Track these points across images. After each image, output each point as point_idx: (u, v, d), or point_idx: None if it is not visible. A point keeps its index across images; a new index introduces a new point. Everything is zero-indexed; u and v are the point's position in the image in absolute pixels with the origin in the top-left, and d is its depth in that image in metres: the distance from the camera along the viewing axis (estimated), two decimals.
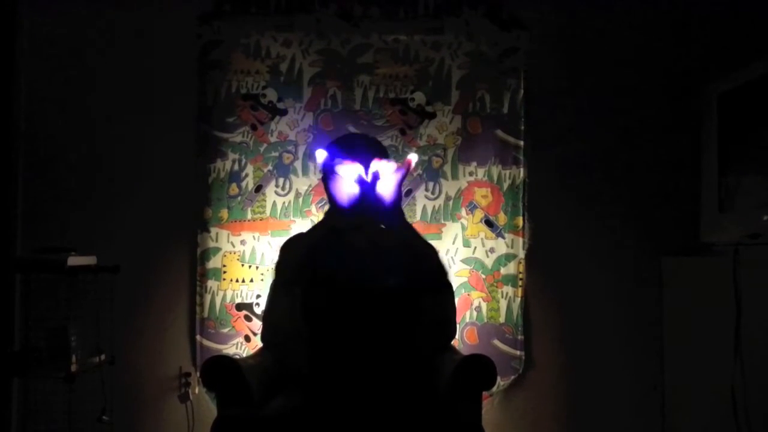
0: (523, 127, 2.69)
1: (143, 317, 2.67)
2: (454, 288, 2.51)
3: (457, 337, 2.50)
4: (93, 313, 2.48)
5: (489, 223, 2.68)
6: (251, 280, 2.66)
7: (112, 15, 2.72)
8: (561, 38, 2.73)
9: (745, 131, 2.18)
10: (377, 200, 1.92)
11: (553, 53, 2.72)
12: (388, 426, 1.81)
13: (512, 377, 2.65)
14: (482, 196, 2.69)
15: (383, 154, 2.06)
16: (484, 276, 2.66)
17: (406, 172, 1.95)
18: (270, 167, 2.69)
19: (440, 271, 2.04)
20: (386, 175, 1.93)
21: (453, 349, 2.27)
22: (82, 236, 2.62)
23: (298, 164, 2.69)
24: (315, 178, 2.68)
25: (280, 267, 2.11)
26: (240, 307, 2.66)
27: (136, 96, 2.72)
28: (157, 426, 2.67)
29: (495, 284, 2.66)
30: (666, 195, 2.68)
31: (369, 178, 1.92)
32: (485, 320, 2.65)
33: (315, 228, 2.15)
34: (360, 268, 1.98)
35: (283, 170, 2.69)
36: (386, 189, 1.92)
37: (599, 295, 2.68)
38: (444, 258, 2.29)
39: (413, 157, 1.97)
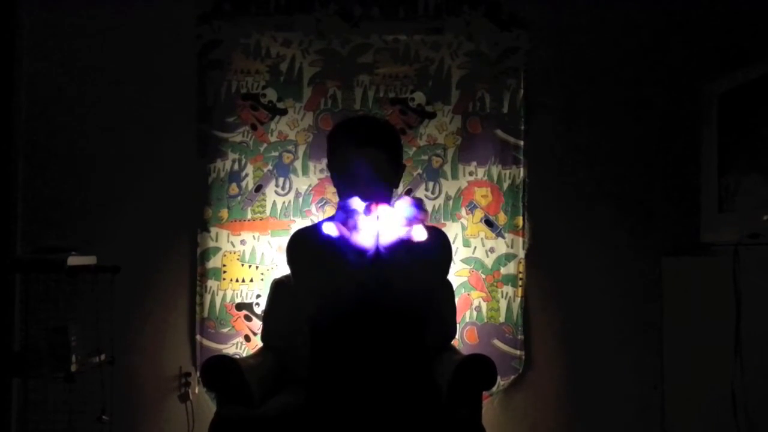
0: (523, 127, 2.69)
1: (143, 317, 2.67)
2: (454, 288, 2.53)
3: (457, 336, 2.51)
4: (93, 313, 2.48)
5: (489, 223, 2.68)
6: (251, 280, 2.66)
7: (113, 14, 2.71)
8: (561, 38, 2.73)
9: (745, 131, 2.18)
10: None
11: (553, 53, 2.72)
12: (389, 425, 1.81)
13: (512, 377, 2.65)
14: (482, 195, 2.69)
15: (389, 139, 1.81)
16: (484, 276, 2.66)
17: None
18: (270, 167, 2.69)
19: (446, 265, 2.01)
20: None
21: (453, 348, 2.27)
22: (82, 236, 2.62)
23: (298, 164, 2.69)
24: (315, 178, 2.68)
25: (290, 264, 2.01)
26: (240, 306, 2.66)
27: (136, 96, 2.72)
28: (157, 426, 2.67)
29: (495, 284, 2.66)
30: (666, 195, 2.68)
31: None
32: (485, 320, 2.65)
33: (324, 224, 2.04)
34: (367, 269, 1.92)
35: (283, 170, 2.69)
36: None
37: (599, 294, 2.68)
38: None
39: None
